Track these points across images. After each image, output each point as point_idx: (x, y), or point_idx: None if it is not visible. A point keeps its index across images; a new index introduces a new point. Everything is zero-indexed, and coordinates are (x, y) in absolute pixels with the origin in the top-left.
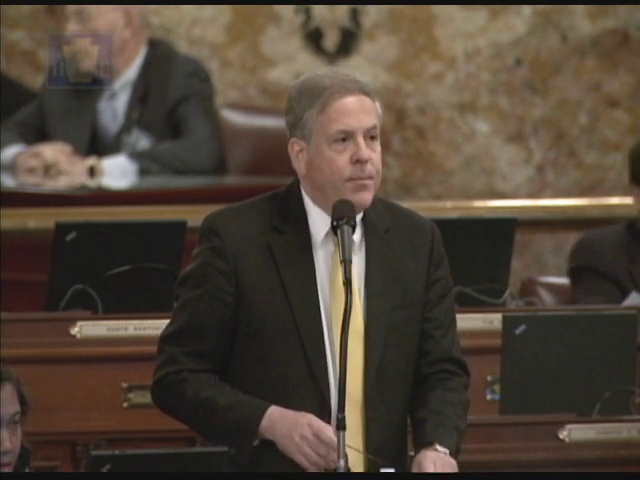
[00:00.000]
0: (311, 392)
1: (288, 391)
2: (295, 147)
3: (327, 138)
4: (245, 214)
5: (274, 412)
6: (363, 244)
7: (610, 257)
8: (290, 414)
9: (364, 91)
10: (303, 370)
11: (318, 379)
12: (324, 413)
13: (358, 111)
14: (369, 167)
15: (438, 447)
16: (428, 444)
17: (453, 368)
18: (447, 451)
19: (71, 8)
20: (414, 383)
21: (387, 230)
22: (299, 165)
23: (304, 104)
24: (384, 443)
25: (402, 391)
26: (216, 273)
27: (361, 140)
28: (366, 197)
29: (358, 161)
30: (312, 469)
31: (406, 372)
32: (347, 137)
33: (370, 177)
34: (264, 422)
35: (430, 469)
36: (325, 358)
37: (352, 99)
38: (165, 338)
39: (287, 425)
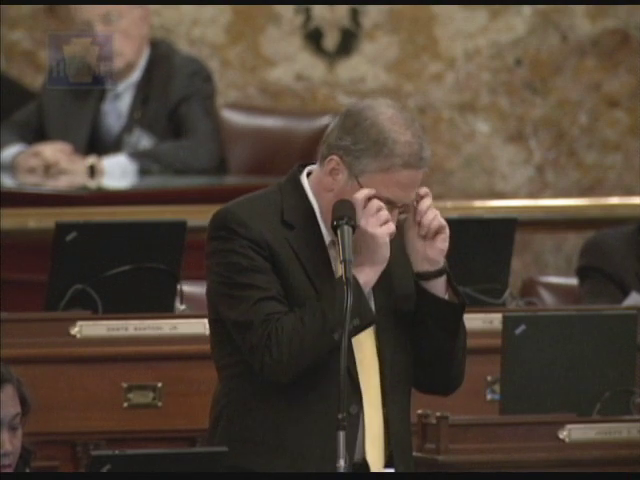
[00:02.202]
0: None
1: (318, 383)
2: (333, 164)
3: None
4: (257, 206)
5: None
6: None
7: (619, 259)
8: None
9: (425, 166)
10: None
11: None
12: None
13: (410, 186)
14: None
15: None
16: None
17: None
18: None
19: (96, 11)
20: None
21: None
22: (328, 179)
23: (368, 148)
24: (402, 439)
25: (408, 386)
26: (262, 261)
27: (396, 212)
28: None
29: None
30: (390, 227)
31: (408, 368)
32: (388, 203)
33: None
34: (358, 277)
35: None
36: (352, 351)
37: (413, 174)
38: (241, 322)
39: (363, 245)
